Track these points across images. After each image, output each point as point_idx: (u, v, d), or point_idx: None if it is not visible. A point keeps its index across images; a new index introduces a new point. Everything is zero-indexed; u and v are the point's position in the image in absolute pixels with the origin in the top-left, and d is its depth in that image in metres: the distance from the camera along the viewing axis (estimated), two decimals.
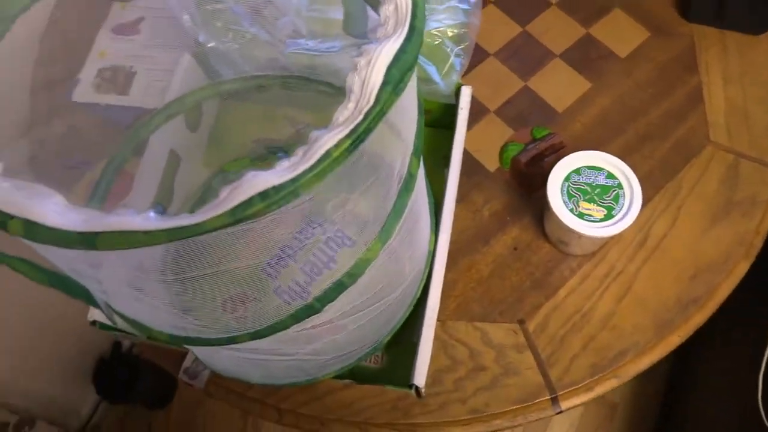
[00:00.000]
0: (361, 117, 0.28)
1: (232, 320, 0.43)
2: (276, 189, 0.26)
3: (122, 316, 0.43)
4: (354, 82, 0.29)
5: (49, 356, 1.15)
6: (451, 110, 0.59)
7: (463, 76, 0.66)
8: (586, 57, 0.70)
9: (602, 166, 0.57)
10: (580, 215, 0.55)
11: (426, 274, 0.54)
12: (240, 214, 0.26)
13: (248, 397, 0.59)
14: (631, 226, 0.58)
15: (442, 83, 0.58)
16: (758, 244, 0.60)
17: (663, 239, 0.61)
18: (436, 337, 0.59)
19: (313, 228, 0.58)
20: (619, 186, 0.56)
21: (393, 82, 0.28)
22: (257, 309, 0.47)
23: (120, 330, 0.57)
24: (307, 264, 0.59)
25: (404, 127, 0.38)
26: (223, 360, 0.54)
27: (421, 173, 0.52)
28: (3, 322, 0.99)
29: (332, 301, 0.39)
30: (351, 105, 0.29)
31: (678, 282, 0.59)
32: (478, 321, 0.59)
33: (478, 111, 0.68)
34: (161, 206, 0.29)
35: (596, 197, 0.55)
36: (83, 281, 0.38)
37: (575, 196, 0.56)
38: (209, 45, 0.58)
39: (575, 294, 0.60)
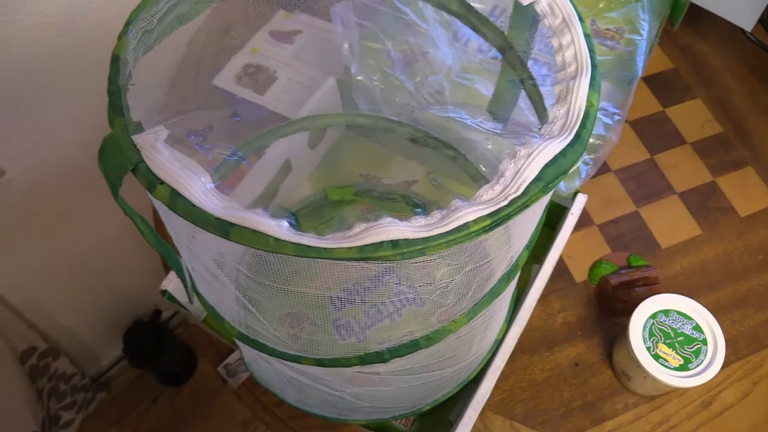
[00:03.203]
0: (505, 202, 0.29)
1: (286, 336, 0.44)
2: (407, 242, 0.27)
3: (202, 300, 0.45)
4: (508, 168, 0.30)
5: (95, 302, 1.19)
6: (560, 212, 0.59)
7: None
8: (705, 204, 0.70)
9: (692, 317, 0.55)
10: (656, 356, 0.54)
11: (486, 360, 0.53)
12: (367, 254, 0.27)
13: (273, 413, 0.59)
14: (700, 385, 0.57)
15: (563, 185, 0.58)
16: None
17: (729, 409, 0.58)
18: None
19: (391, 277, 0.59)
20: (704, 342, 0.54)
21: (545, 181, 0.29)
22: (311, 332, 0.48)
23: (183, 307, 0.59)
24: (372, 308, 0.59)
25: (518, 228, 0.38)
26: (269, 370, 0.54)
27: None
28: (67, 259, 1.04)
29: (402, 357, 0.39)
30: (498, 188, 0.29)
31: None
32: (518, 422, 0.58)
33: (582, 220, 0.68)
34: (293, 217, 0.30)
35: (677, 344, 0.54)
36: (181, 251, 0.40)
37: (656, 336, 0.54)
38: (357, 77, 0.61)
39: (622, 431, 0.58)
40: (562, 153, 0.30)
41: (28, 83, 0.75)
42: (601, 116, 0.59)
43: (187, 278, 0.43)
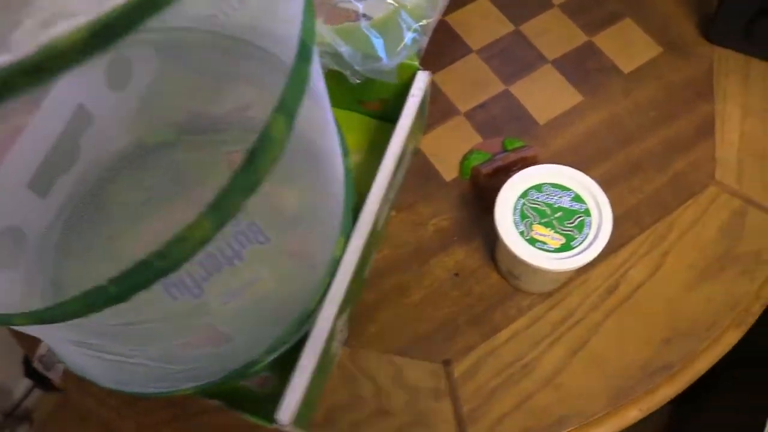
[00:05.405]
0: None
1: None
2: None
3: None
4: None
5: None
6: (397, 97, 0.49)
7: (436, 70, 0.57)
8: (583, 67, 0.60)
9: (569, 186, 0.46)
10: (531, 241, 0.44)
11: (326, 285, 0.43)
12: None
13: (106, 403, 0.49)
14: (602, 268, 0.48)
15: (386, 59, 0.48)
16: (756, 311, 0.49)
17: (638, 289, 0.50)
18: (341, 367, 0.48)
19: None
20: (587, 213, 0.45)
21: None
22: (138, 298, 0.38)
23: None
24: (206, 256, 0.49)
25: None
26: (70, 351, 0.44)
27: (334, 151, 0.43)
28: None
29: (135, 290, 0.29)
30: None
31: (648, 344, 0.48)
32: (397, 354, 0.49)
33: (445, 111, 0.58)
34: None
35: (555, 222, 0.45)
36: None
37: (529, 218, 0.45)
38: None
39: (519, 338, 0.48)
40: None
41: None
42: None
43: None
